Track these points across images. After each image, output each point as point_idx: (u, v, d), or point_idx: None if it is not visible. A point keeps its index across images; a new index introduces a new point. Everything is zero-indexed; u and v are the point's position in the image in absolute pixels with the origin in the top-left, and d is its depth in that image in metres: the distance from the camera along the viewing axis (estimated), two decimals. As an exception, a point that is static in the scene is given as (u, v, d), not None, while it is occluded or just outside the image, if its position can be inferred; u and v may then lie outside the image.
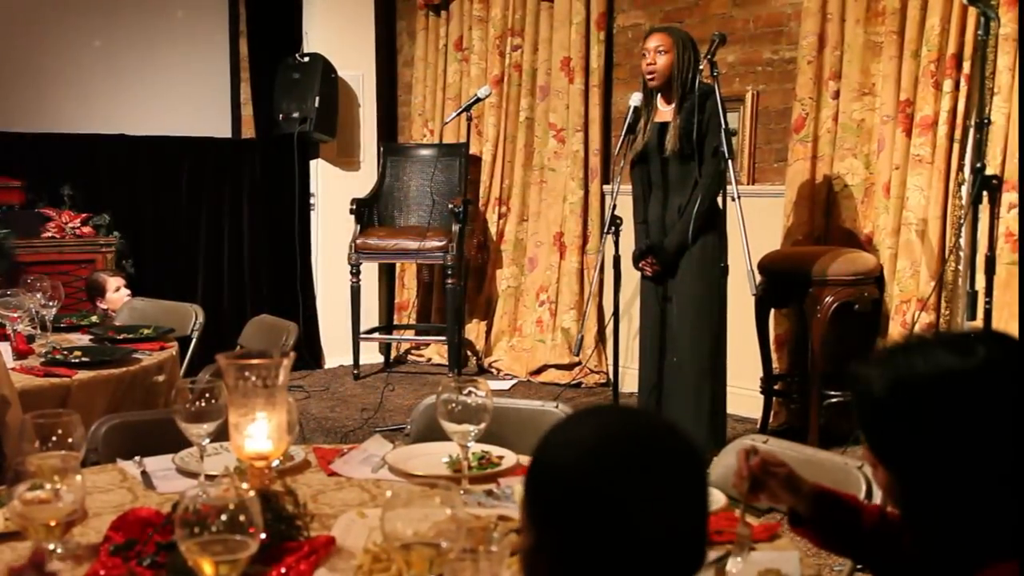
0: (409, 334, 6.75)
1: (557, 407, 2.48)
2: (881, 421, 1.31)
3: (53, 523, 1.44)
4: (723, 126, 3.98)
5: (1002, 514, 1.26)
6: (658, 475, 1.10)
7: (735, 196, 3.92)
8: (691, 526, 1.12)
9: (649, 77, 4.16)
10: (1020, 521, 1.24)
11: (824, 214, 4.87)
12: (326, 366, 6.62)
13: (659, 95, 4.21)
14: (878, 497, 1.83)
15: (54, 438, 1.65)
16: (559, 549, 1.10)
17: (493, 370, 6.28)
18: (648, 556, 1.08)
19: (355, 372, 6.19)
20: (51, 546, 1.45)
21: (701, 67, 4.09)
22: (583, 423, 1.15)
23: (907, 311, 4.47)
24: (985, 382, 1.25)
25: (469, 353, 6.33)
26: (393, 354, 6.65)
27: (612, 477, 1.08)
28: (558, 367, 6.01)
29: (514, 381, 6.05)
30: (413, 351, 6.78)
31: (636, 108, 4.21)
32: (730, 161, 3.97)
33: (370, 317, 6.64)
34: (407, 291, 6.87)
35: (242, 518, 1.27)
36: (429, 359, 6.64)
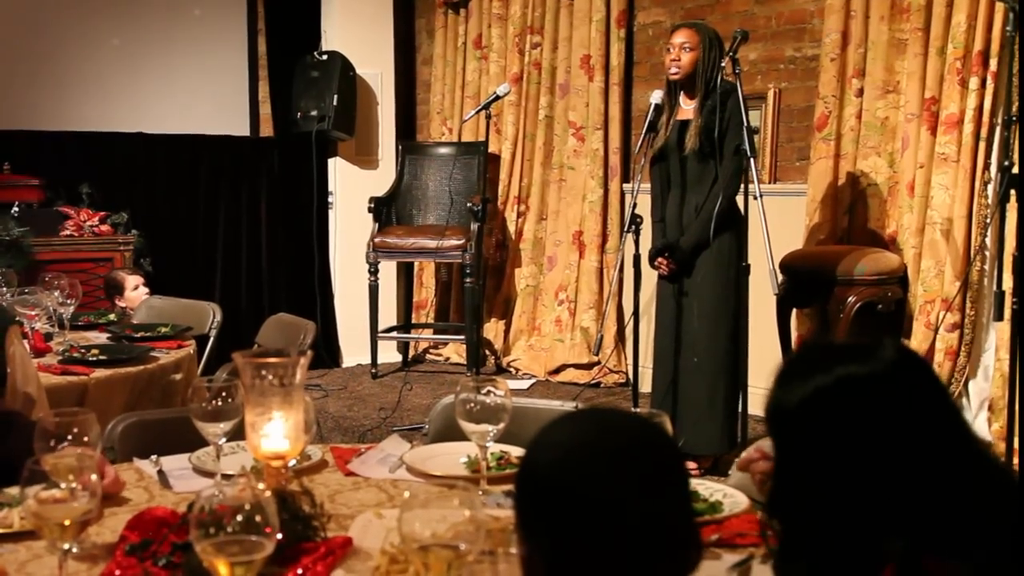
0: (427, 333, 6.74)
1: (576, 407, 2.44)
2: (792, 433, 1.28)
3: (68, 522, 1.42)
4: (745, 124, 3.94)
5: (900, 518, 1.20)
6: (637, 468, 1.11)
7: (757, 195, 3.88)
8: (679, 519, 1.12)
9: (673, 73, 4.12)
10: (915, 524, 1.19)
11: (847, 213, 4.82)
12: (344, 365, 6.61)
13: (681, 92, 4.18)
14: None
15: (70, 436, 1.64)
16: (551, 551, 1.11)
17: (511, 369, 6.26)
18: (639, 551, 1.08)
19: (373, 371, 6.18)
20: (66, 546, 1.44)
21: (723, 64, 4.06)
22: (561, 427, 1.17)
23: (931, 311, 4.42)
24: (891, 385, 1.22)
25: (487, 352, 6.31)
26: (411, 353, 6.64)
27: (592, 473, 1.10)
28: (577, 367, 5.99)
29: (532, 381, 6.02)
30: (431, 350, 6.77)
31: (657, 106, 4.17)
32: (752, 159, 3.93)
33: (388, 316, 6.63)
34: (425, 290, 6.85)
35: (258, 518, 1.26)
36: (447, 358, 6.63)
